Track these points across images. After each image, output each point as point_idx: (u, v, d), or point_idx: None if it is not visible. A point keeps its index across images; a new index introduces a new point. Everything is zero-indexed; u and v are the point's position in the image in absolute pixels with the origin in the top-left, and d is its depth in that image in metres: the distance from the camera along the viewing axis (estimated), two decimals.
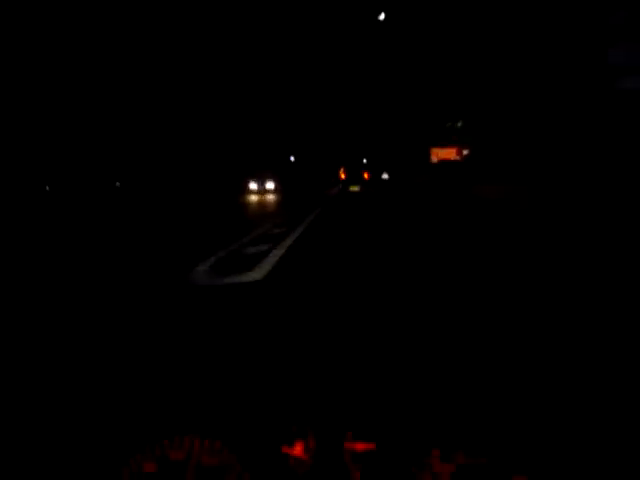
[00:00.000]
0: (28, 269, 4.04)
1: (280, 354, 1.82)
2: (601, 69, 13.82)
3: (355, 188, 29.13)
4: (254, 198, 17.72)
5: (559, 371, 1.60)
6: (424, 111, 24.08)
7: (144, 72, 26.87)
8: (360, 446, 1.03)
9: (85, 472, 1.08)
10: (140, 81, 26.61)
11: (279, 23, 32.49)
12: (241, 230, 6.31)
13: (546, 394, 1.44)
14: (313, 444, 1.04)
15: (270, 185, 23.85)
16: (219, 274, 3.47)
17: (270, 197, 18.64)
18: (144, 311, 2.56)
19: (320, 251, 4.56)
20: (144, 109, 26.63)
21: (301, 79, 35.35)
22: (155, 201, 16.67)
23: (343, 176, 32.33)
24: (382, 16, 26.39)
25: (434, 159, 22.44)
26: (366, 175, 34.37)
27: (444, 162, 21.23)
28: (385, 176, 32.37)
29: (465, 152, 20.84)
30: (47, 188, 24.46)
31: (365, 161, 37.17)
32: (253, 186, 23.88)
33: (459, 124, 21.37)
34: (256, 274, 3.42)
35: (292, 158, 38.06)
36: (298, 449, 1.03)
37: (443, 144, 22.04)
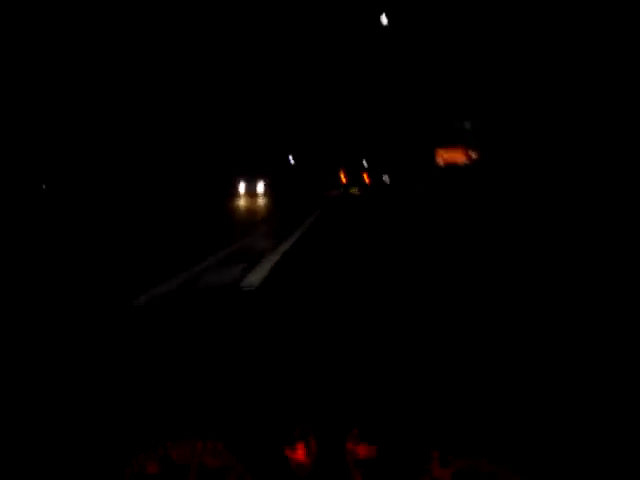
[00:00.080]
0: None
1: (282, 358, 1.68)
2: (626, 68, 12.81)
3: (354, 190, 28.28)
4: (244, 201, 16.63)
5: (559, 371, 1.53)
6: (429, 109, 22.81)
7: (137, 68, 25.79)
8: (362, 450, 1.02)
9: (88, 472, 1.04)
10: (133, 76, 25.53)
11: (279, 23, 31.57)
12: (219, 242, 5.08)
13: (546, 395, 1.37)
14: (315, 447, 1.04)
15: (262, 187, 22.72)
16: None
17: (263, 200, 17.77)
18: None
19: (313, 271, 3.31)
20: (138, 106, 25.54)
21: (301, 79, 34.38)
22: (128, 203, 15.37)
23: (344, 178, 31.47)
24: (384, 18, 25.35)
25: (439, 161, 21.11)
26: (366, 177, 33.31)
27: (451, 167, 19.86)
28: (386, 178, 31.24)
29: (474, 155, 19.49)
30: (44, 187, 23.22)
31: (365, 162, 36.01)
32: (244, 188, 22.67)
33: (467, 125, 20.06)
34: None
35: (291, 159, 37.10)
36: (300, 452, 1.03)
37: (449, 145, 20.71)
